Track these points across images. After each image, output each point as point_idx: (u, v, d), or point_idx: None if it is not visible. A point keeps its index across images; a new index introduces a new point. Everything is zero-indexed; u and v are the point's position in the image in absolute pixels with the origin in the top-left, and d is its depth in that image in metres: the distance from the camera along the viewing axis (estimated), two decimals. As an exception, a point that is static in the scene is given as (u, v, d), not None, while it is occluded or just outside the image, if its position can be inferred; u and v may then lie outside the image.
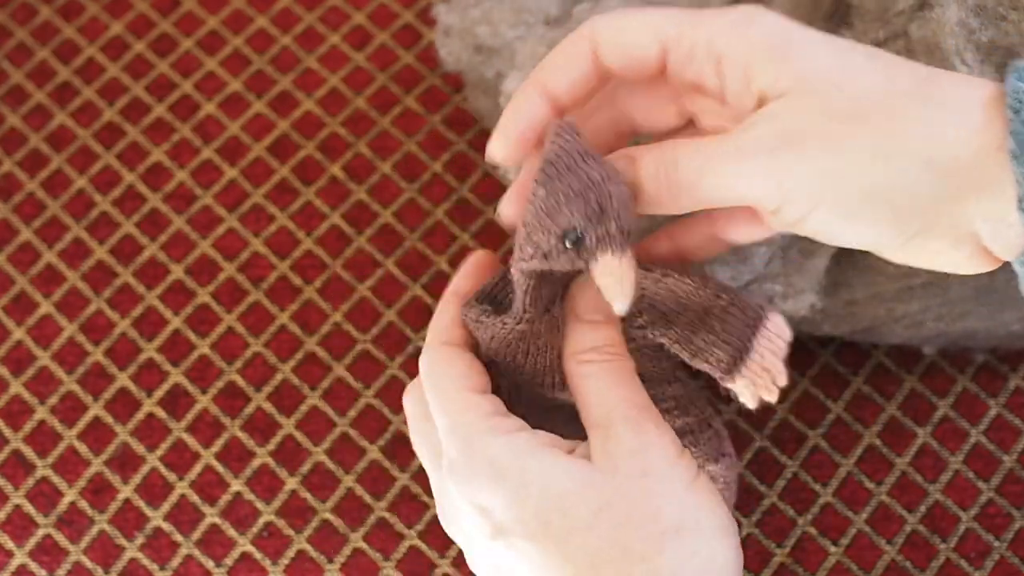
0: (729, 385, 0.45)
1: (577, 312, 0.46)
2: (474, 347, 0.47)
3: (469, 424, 0.43)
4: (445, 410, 0.44)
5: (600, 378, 0.45)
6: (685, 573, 0.41)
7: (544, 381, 0.47)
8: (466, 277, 0.47)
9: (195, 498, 0.56)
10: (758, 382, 0.44)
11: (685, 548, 0.41)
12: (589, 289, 0.44)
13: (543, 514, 0.41)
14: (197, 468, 0.57)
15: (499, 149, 0.44)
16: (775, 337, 0.45)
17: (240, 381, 0.58)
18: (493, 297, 0.46)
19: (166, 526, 0.56)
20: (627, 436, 0.43)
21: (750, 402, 0.44)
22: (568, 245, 0.41)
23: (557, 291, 0.45)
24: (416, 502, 0.56)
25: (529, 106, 0.43)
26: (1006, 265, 0.50)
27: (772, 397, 0.44)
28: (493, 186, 0.61)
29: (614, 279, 0.41)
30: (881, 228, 0.40)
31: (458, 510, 0.44)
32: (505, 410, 0.44)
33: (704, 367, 0.45)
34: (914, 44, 0.49)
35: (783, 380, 0.44)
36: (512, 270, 0.44)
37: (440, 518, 0.47)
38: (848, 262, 0.53)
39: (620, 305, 0.42)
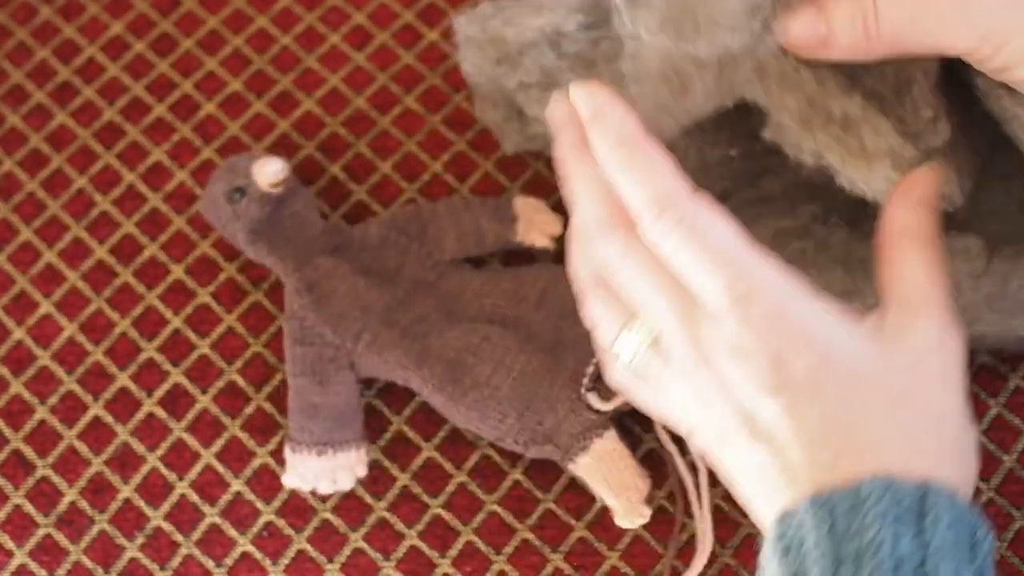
0: None
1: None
2: None
3: (774, 283, 0.43)
4: (740, 267, 0.43)
5: (920, 262, 0.45)
6: (958, 486, 0.41)
7: None
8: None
9: (195, 498, 0.56)
10: None
11: (964, 464, 0.43)
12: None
13: (844, 389, 0.42)
14: (197, 468, 0.57)
15: None
16: None
17: (240, 381, 0.58)
18: None
19: (166, 526, 0.56)
20: (930, 328, 0.44)
21: None
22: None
23: None
24: (416, 502, 0.56)
25: None
26: (1018, 273, 0.50)
27: None
28: (493, 186, 0.61)
29: None
30: None
31: (724, 358, 0.42)
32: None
33: None
34: None
35: None
36: None
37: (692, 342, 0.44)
38: (860, 271, 0.53)
39: None
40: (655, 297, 0.44)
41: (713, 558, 0.54)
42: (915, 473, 0.40)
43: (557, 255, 0.59)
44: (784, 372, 0.41)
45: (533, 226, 0.59)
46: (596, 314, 0.46)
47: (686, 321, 0.43)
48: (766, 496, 0.42)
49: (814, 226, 0.53)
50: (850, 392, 0.41)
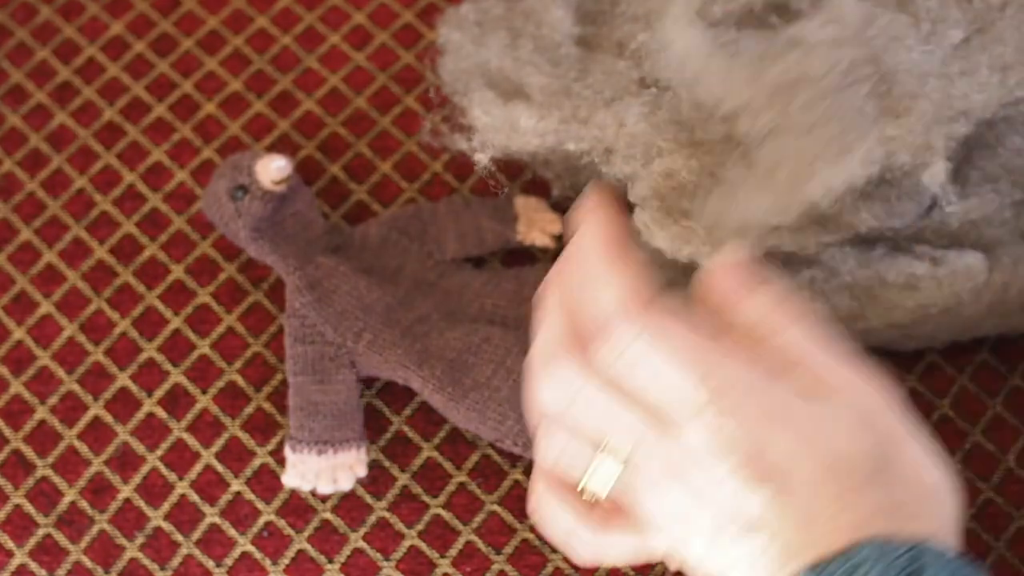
0: None
1: None
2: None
3: (742, 374, 0.42)
4: (705, 359, 0.42)
5: (812, 341, 0.44)
6: (944, 535, 0.42)
7: None
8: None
9: (195, 498, 0.56)
10: None
11: (944, 509, 0.42)
12: None
13: (830, 462, 0.41)
14: (197, 468, 0.57)
15: None
16: None
17: (240, 381, 0.58)
18: None
19: (166, 526, 0.56)
20: (865, 391, 0.43)
21: None
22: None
23: None
24: (416, 502, 0.56)
25: None
26: (1017, 282, 0.51)
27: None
28: (494, 186, 0.61)
29: None
30: None
31: (704, 458, 0.41)
32: None
33: None
34: None
35: None
36: None
37: (650, 486, 0.43)
38: (867, 298, 0.53)
39: None
40: (624, 412, 0.42)
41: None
42: (903, 528, 0.40)
43: (558, 255, 0.59)
44: (765, 460, 0.41)
45: (534, 225, 0.59)
46: (557, 446, 0.44)
47: (659, 431, 0.42)
48: None
49: (824, 254, 0.53)
50: (830, 465, 0.41)
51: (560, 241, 0.59)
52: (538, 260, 0.60)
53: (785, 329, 0.43)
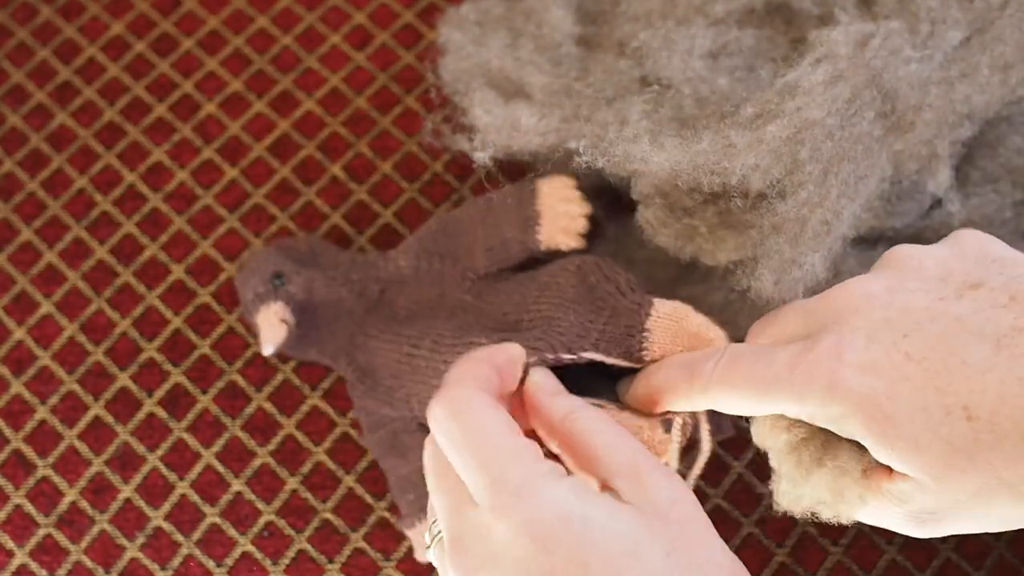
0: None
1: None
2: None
3: (526, 471, 0.42)
4: (492, 457, 0.43)
5: (604, 431, 0.45)
6: None
7: None
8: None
9: (196, 498, 0.56)
10: None
11: None
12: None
13: (617, 561, 0.41)
14: (198, 468, 0.57)
15: None
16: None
17: (240, 381, 0.58)
18: None
19: (167, 526, 0.56)
20: (663, 484, 0.43)
21: None
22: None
23: None
24: (416, 502, 0.56)
25: None
26: None
27: None
28: (493, 186, 0.61)
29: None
30: None
31: (502, 554, 0.42)
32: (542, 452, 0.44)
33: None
34: None
35: None
36: None
37: (464, 560, 0.43)
38: None
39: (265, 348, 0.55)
40: (435, 496, 0.45)
41: (713, 558, 0.54)
42: None
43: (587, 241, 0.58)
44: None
45: (557, 223, 0.57)
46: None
47: (464, 514, 0.43)
48: None
49: None
50: (637, 566, 0.41)
51: (586, 238, 0.57)
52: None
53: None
